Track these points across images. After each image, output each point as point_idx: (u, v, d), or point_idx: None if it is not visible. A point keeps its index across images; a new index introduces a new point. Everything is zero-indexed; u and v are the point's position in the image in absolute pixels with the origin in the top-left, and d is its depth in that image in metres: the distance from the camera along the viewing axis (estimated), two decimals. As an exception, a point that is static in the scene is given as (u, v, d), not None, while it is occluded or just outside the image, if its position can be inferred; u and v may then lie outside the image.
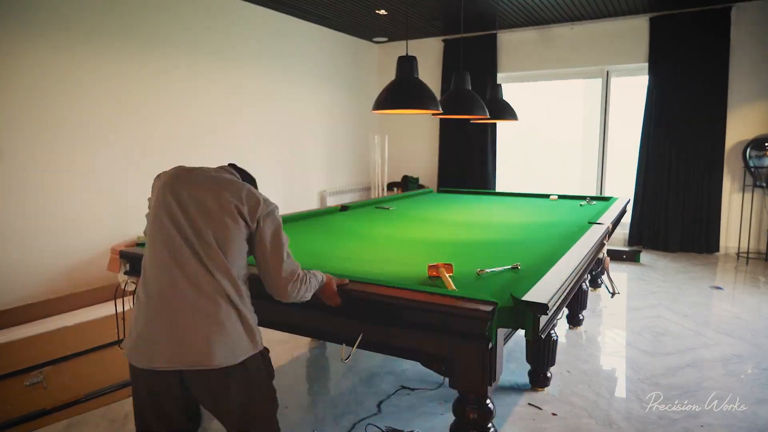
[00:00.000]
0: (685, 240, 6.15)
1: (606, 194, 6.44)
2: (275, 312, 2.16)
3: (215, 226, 1.50)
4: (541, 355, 2.74)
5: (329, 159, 7.09)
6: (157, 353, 1.45)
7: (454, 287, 1.77)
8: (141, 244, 2.46)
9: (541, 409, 2.60)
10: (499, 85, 4.56)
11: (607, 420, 2.49)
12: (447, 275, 1.90)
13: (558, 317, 2.04)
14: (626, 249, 5.91)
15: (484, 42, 7.02)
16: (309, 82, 6.62)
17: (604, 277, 3.41)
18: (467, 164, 7.35)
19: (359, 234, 2.97)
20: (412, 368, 3.02)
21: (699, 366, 3.06)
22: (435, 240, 2.80)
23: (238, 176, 1.72)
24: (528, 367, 2.85)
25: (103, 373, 2.95)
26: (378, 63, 7.98)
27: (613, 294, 4.03)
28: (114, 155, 4.39)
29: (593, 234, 2.77)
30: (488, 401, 1.69)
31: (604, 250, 3.18)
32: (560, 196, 4.71)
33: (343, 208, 3.84)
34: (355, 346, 1.81)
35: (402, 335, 1.78)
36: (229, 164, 1.78)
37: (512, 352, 3.24)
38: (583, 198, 4.60)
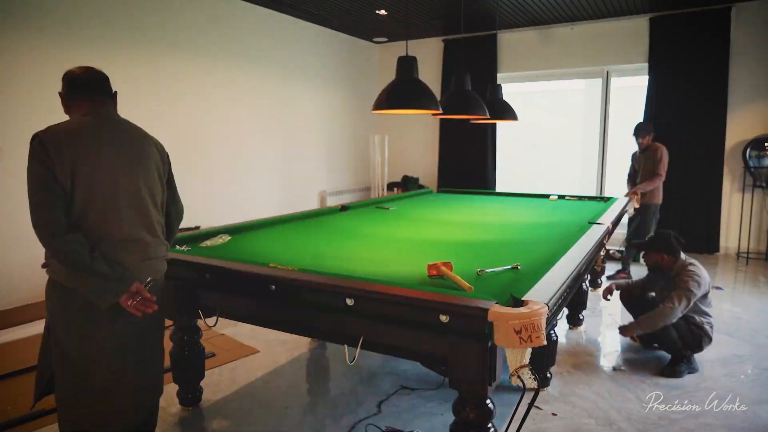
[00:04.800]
0: (685, 240, 6.11)
1: (606, 194, 6.43)
2: (276, 312, 2.16)
3: None
4: (541, 355, 2.74)
5: (329, 159, 7.09)
6: None
7: (470, 285, 1.74)
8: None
9: (541, 409, 2.60)
10: (499, 85, 4.56)
11: (607, 420, 2.49)
12: (455, 275, 1.86)
13: (558, 317, 2.04)
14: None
15: (484, 42, 7.02)
16: (309, 82, 6.62)
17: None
18: (467, 164, 7.35)
19: (359, 234, 2.97)
20: (412, 368, 3.02)
21: (699, 366, 3.05)
22: (435, 240, 2.80)
23: None
24: (528, 367, 2.85)
25: (103, 373, 2.95)
26: (378, 63, 7.98)
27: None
28: (114, 155, 4.39)
29: (593, 234, 2.77)
30: (488, 401, 1.69)
31: (603, 251, 3.19)
32: (560, 197, 4.71)
33: (343, 208, 3.84)
34: (359, 348, 1.81)
35: (402, 335, 1.78)
36: None
37: (512, 352, 3.24)
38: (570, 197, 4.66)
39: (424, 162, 7.84)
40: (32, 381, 2.86)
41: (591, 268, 2.76)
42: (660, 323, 2.97)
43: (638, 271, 5.32)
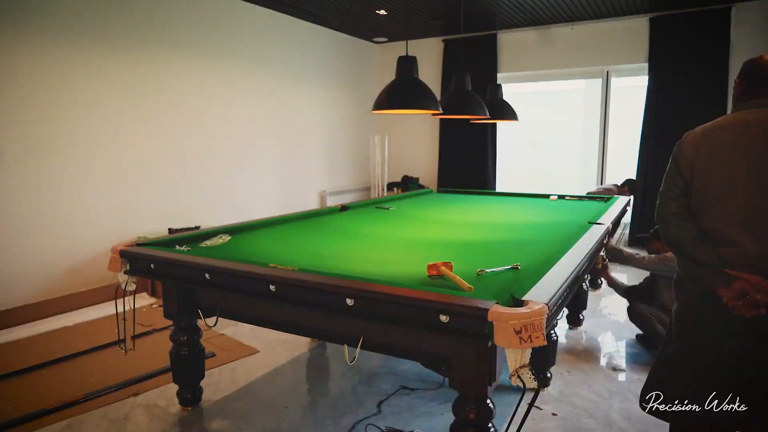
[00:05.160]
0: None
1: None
2: (276, 312, 2.16)
3: None
4: (541, 355, 2.74)
5: (329, 159, 7.09)
6: None
7: (470, 285, 1.73)
8: (141, 244, 2.46)
9: (541, 409, 2.60)
10: (499, 85, 4.57)
11: (607, 420, 2.49)
12: (455, 275, 1.86)
13: (558, 317, 2.04)
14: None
15: (484, 42, 7.02)
16: (309, 82, 6.62)
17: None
18: (467, 164, 7.35)
19: (359, 234, 2.97)
20: (412, 368, 3.02)
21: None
22: (435, 240, 2.80)
23: None
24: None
25: (103, 373, 2.95)
26: (378, 63, 7.98)
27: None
28: (114, 155, 4.40)
29: (593, 234, 2.77)
30: (488, 401, 1.69)
31: (603, 252, 3.21)
32: (560, 197, 4.71)
33: (343, 208, 3.84)
34: (359, 348, 1.81)
35: (402, 335, 1.78)
36: None
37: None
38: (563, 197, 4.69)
39: (424, 162, 7.84)
40: (32, 380, 2.87)
41: (591, 268, 2.76)
42: (623, 261, 3.39)
43: (638, 271, 5.32)
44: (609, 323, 3.89)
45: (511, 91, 6.94)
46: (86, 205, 4.22)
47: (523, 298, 1.57)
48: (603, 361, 3.21)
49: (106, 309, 4.02)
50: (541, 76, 7.07)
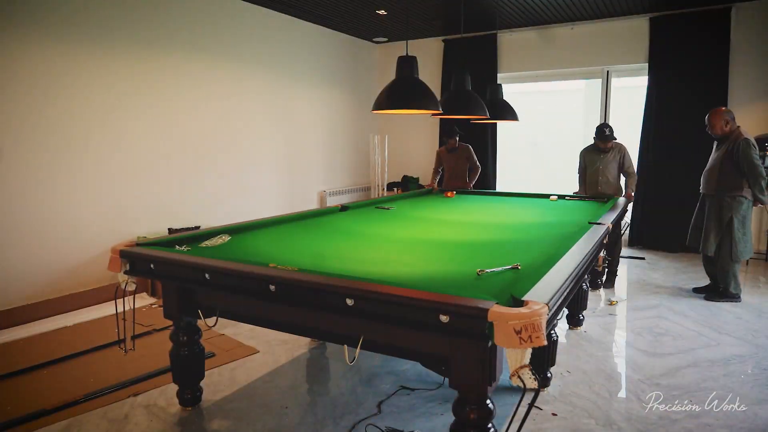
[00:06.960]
0: (686, 240, 6.14)
1: (606, 194, 6.42)
2: (276, 312, 2.16)
3: None
4: (541, 355, 2.74)
5: (329, 159, 7.09)
6: None
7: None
8: (141, 244, 2.46)
9: (541, 409, 2.60)
10: (499, 85, 4.57)
11: (607, 420, 2.49)
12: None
13: (558, 317, 2.04)
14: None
15: (484, 42, 7.02)
16: (309, 82, 6.62)
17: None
18: (467, 164, 7.34)
19: (359, 234, 2.97)
20: (412, 368, 3.02)
21: (699, 366, 3.05)
22: (435, 240, 2.80)
23: None
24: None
25: (103, 373, 2.95)
26: (378, 63, 7.98)
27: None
28: (114, 155, 4.39)
29: (593, 234, 2.77)
30: (488, 401, 1.68)
31: (602, 251, 3.21)
32: (560, 197, 4.71)
33: (343, 208, 3.84)
34: (359, 348, 1.81)
35: (402, 335, 1.78)
36: None
37: (512, 352, 3.24)
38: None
39: (424, 162, 7.84)
40: (32, 380, 2.87)
41: (591, 268, 2.76)
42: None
43: (638, 271, 5.31)
44: (609, 323, 3.89)
45: (511, 91, 6.94)
46: (86, 205, 4.22)
47: (523, 298, 1.57)
48: (603, 361, 3.21)
49: (106, 309, 4.02)
50: (541, 76, 7.07)
